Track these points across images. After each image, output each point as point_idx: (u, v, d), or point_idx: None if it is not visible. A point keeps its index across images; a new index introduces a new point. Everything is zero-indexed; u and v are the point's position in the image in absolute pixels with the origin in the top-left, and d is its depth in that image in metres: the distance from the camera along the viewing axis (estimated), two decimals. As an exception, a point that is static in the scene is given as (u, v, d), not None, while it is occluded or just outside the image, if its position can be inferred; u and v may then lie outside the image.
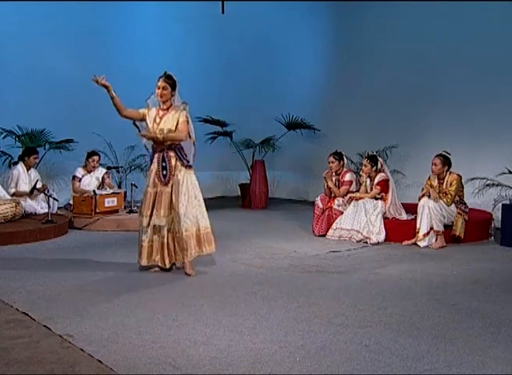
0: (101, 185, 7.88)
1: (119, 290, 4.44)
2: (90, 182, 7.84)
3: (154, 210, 4.88)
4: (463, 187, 6.54)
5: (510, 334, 3.49)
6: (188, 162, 4.95)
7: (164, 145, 4.88)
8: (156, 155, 4.93)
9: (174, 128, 4.83)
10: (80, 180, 7.83)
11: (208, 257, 5.23)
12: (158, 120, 4.87)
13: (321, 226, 7.00)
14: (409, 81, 8.98)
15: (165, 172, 4.88)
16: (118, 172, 8.76)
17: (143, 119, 4.97)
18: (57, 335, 3.40)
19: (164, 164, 4.88)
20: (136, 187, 7.95)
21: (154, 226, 4.90)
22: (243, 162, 10.18)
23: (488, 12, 7.89)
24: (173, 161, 4.88)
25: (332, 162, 7.16)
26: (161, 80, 4.85)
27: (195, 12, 10.28)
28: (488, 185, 6.58)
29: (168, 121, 4.85)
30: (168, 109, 4.92)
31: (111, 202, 7.60)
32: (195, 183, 4.95)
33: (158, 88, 4.86)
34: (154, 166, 4.93)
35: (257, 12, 10.55)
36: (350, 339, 3.38)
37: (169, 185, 4.87)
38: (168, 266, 4.98)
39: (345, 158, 7.29)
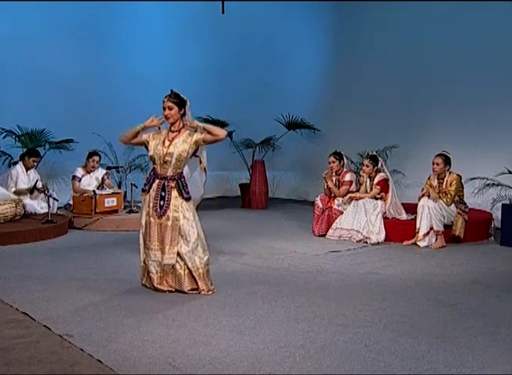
0: (101, 185, 7.88)
1: (119, 290, 4.44)
2: (90, 182, 7.83)
3: (159, 243, 4.36)
4: (463, 187, 6.54)
5: (510, 334, 3.49)
6: (188, 193, 4.42)
7: (167, 172, 4.39)
8: (157, 182, 4.41)
9: (186, 153, 4.36)
10: (80, 180, 7.83)
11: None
12: (166, 143, 4.37)
13: (321, 226, 7.00)
14: (409, 81, 8.99)
15: (162, 202, 4.35)
16: (118, 172, 8.76)
17: (143, 144, 4.52)
18: (57, 335, 3.40)
19: (163, 194, 4.36)
20: (136, 187, 7.93)
21: (165, 265, 4.35)
22: (243, 162, 10.18)
23: (488, 12, 7.90)
24: (174, 192, 4.37)
25: (333, 162, 7.16)
26: (165, 99, 4.39)
27: (195, 12, 10.29)
28: (488, 185, 6.59)
29: (179, 144, 4.35)
30: (179, 131, 4.43)
31: (110, 202, 7.59)
32: (196, 216, 4.45)
33: (164, 109, 4.40)
34: (152, 194, 4.40)
35: (258, 12, 10.57)
36: (350, 339, 3.38)
37: (165, 218, 4.33)
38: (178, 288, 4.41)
39: (345, 158, 7.29)
